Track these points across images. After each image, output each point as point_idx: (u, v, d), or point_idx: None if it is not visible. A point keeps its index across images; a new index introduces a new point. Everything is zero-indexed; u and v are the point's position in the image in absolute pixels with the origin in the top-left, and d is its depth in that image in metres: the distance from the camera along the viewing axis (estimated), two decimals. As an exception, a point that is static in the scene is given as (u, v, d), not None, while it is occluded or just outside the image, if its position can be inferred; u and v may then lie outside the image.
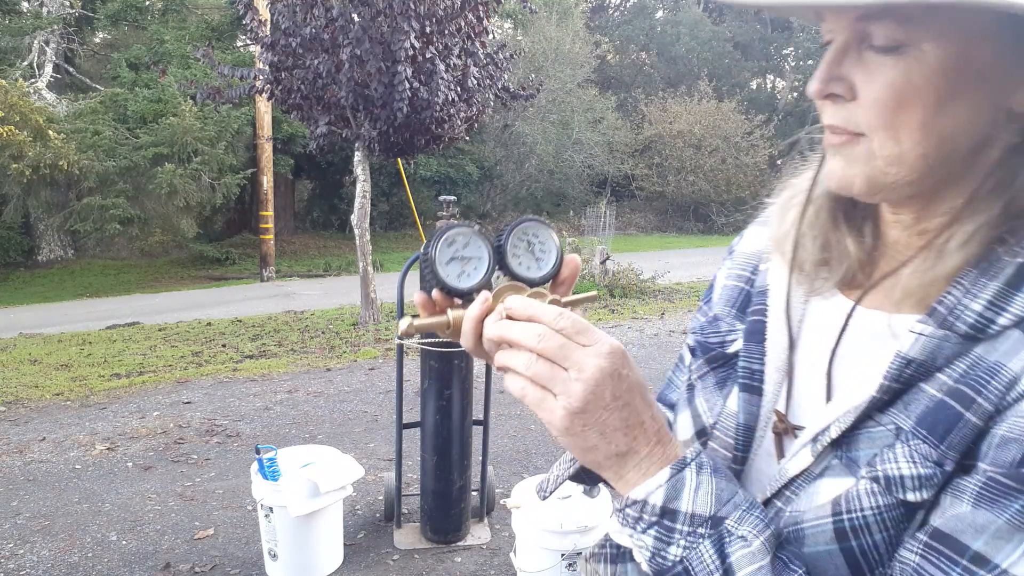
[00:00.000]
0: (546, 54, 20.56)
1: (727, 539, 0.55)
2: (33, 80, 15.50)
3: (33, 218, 15.54)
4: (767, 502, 0.63)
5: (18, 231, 15.61)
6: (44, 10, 16.68)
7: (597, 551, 0.71)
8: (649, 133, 22.34)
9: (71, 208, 13.77)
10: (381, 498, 3.52)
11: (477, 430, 3.27)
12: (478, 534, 3.28)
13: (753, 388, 0.67)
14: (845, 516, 0.56)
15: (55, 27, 16.46)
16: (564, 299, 0.67)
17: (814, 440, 0.60)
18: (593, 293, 0.72)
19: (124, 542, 3.26)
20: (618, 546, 0.68)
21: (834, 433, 0.58)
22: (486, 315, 0.62)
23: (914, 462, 0.53)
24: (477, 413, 3.28)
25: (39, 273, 15.69)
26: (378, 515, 3.48)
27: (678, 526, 0.55)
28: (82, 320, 9.49)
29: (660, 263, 10.86)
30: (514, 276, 0.70)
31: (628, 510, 0.57)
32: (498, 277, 0.70)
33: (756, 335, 0.69)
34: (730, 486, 0.57)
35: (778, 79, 30.21)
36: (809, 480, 0.60)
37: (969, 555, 0.50)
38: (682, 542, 0.55)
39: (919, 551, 0.53)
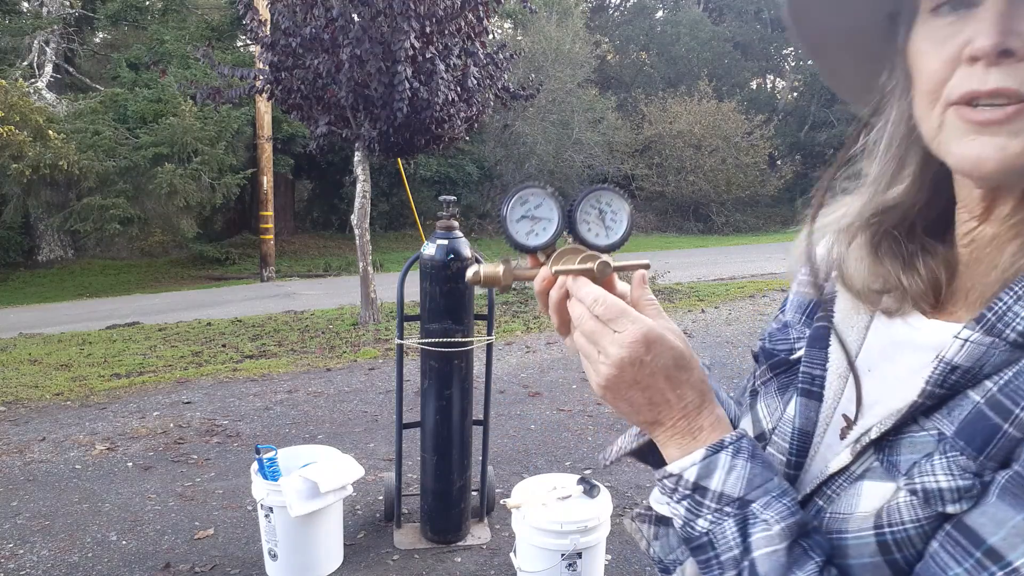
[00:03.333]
0: (546, 54, 20.54)
1: (751, 520, 0.58)
2: (33, 80, 15.49)
3: (33, 218, 15.52)
4: (807, 499, 0.64)
5: (18, 231, 15.58)
6: (44, 10, 16.67)
7: (644, 512, 0.75)
8: (649, 133, 22.33)
9: (71, 208, 13.76)
10: (381, 498, 3.52)
11: (477, 430, 3.27)
12: (478, 534, 3.28)
13: (812, 393, 0.67)
14: (887, 530, 0.55)
15: (55, 27, 16.45)
16: (615, 263, 0.71)
17: (856, 440, 0.60)
18: (645, 261, 0.74)
19: (124, 542, 3.26)
20: None
21: (874, 434, 0.58)
22: (549, 286, 0.70)
23: (952, 475, 0.52)
24: (477, 413, 3.28)
25: (39, 273, 15.68)
26: (378, 515, 3.48)
27: (707, 502, 0.60)
28: (82, 320, 9.49)
29: (660, 263, 10.85)
30: (582, 242, 0.72)
31: (665, 481, 0.62)
32: (566, 240, 0.73)
33: (819, 341, 0.69)
34: (765, 472, 0.60)
35: (778, 79, 30.20)
36: (850, 481, 0.60)
37: (984, 548, 0.49)
38: (709, 516, 0.59)
39: (940, 539, 0.52)
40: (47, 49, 16.30)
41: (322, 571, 2.95)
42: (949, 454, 0.53)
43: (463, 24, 6.98)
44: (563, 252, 0.71)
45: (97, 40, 19.85)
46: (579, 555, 2.52)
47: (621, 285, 0.76)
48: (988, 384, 0.52)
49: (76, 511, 3.56)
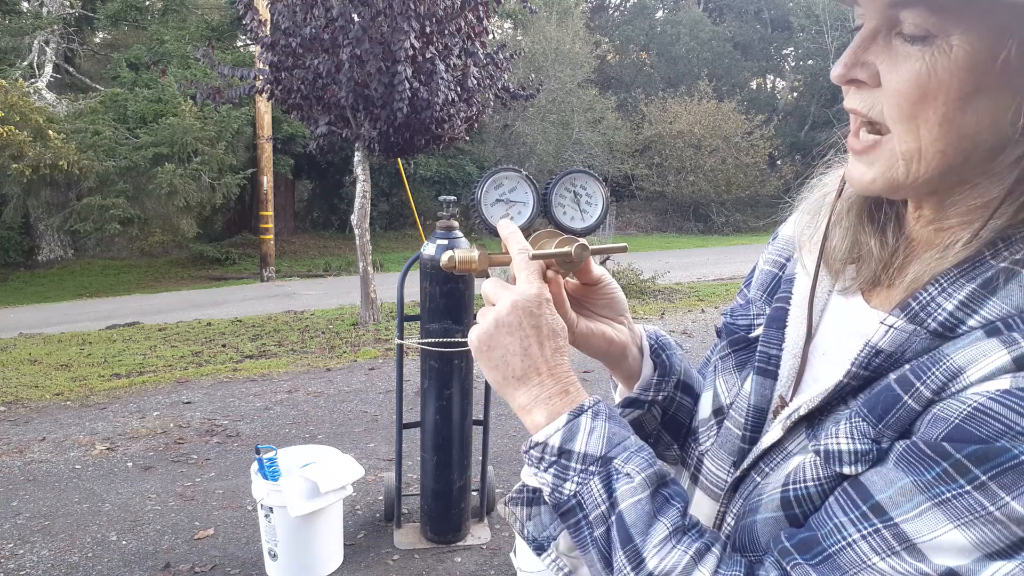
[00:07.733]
0: (546, 54, 20.54)
1: (614, 476, 0.61)
2: (33, 80, 15.50)
3: (33, 218, 15.53)
4: (745, 474, 0.67)
5: (18, 231, 15.60)
6: (44, 10, 16.68)
7: (515, 495, 0.75)
8: (649, 133, 22.34)
9: (71, 208, 13.77)
10: (381, 498, 3.52)
11: (477, 430, 3.27)
12: (478, 534, 3.28)
13: (768, 372, 0.69)
14: (791, 487, 0.60)
15: (55, 27, 16.47)
16: (592, 247, 0.70)
17: (787, 417, 0.63)
18: (623, 245, 0.75)
19: (124, 542, 3.26)
20: (533, 490, 0.72)
21: (803, 411, 0.62)
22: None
23: (852, 438, 0.56)
24: (477, 413, 3.28)
25: (39, 273, 15.69)
26: (378, 515, 3.48)
27: (573, 464, 0.62)
28: (82, 320, 9.49)
29: (660, 263, 10.85)
30: (558, 225, 0.72)
31: (532, 451, 0.65)
32: (543, 223, 0.73)
33: (777, 321, 0.71)
34: (622, 431, 0.64)
35: (778, 79, 30.20)
36: (785, 457, 0.63)
37: (870, 503, 0.53)
38: (576, 478, 0.62)
39: (836, 493, 0.56)
40: (47, 49, 16.31)
41: (322, 571, 2.95)
42: (853, 420, 0.57)
43: (463, 24, 6.98)
44: (539, 236, 0.71)
45: (97, 40, 19.85)
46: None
47: (597, 269, 0.75)
48: (905, 368, 0.56)
49: (76, 511, 3.56)
